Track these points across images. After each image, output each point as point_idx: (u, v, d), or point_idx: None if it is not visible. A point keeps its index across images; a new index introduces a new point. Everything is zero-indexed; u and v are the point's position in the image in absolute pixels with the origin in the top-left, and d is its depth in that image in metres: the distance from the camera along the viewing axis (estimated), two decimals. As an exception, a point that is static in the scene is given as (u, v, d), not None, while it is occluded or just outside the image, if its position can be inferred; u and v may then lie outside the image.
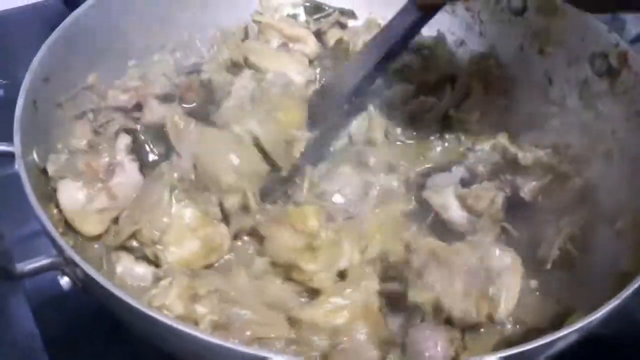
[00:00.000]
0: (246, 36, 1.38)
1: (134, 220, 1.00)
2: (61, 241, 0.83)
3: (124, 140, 1.10)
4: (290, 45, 1.36)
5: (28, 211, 0.88)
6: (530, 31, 1.31)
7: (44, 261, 0.84)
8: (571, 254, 1.07)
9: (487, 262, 0.97)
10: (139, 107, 1.17)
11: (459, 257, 0.97)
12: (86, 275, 0.81)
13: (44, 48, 1.08)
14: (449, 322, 0.96)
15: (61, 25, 1.13)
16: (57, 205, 1.00)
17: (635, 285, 0.85)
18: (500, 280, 0.96)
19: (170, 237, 0.99)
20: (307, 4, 1.45)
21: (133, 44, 1.27)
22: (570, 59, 1.24)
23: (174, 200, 1.01)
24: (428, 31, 1.36)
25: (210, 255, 1.02)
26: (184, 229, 1.00)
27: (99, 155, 1.06)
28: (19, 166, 0.91)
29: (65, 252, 0.82)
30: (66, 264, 0.84)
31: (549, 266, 1.06)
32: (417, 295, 0.96)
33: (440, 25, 1.39)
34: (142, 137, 1.13)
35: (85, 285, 0.85)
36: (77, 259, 0.81)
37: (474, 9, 1.38)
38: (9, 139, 0.95)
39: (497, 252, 0.98)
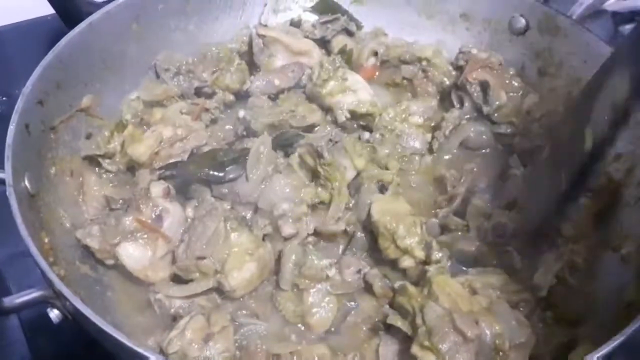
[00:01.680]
0: (250, 50, 1.35)
1: (196, 255, 1.02)
2: (51, 274, 0.81)
3: (159, 187, 1.08)
4: (296, 59, 1.34)
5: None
6: (533, 51, 1.29)
7: (33, 294, 0.83)
8: (567, 283, 1.05)
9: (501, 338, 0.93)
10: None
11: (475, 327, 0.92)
12: (76, 309, 0.79)
13: (38, 70, 1.07)
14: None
15: (55, 46, 1.11)
16: (48, 234, 0.98)
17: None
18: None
19: (231, 264, 1.02)
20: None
21: (130, 65, 1.26)
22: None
23: (229, 229, 1.03)
24: (426, 40, 1.36)
25: (264, 273, 1.06)
26: (242, 254, 1.03)
27: (139, 209, 1.05)
28: (9, 195, 0.89)
29: (54, 285, 0.80)
30: (56, 297, 0.82)
31: (544, 293, 1.03)
32: (419, 352, 0.91)
33: (445, 45, 1.38)
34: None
35: (76, 319, 0.83)
36: (67, 292, 0.79)
37: (475, 29, 1.37)
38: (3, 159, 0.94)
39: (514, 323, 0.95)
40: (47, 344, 1.13)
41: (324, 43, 1.39)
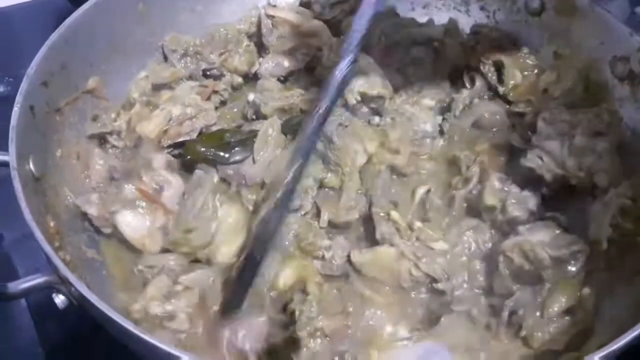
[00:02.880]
0: (259, 32, 1.33)
1: (186, 228, 1.02)
2: (56, 259, 0.80)
3: (162, 158, 1.09)
4: (305, 40, 1.31)
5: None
6: (549, 32, 1.26)
7: (37, 280, 0.81)
8: (624, 229, 1.02)
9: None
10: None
11: None
12: (81, 295, 0.77)
13: (42, 51, 1.05)
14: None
15: (61, 26, 1.09)
16: (54, 218, 0.96)
17: None
18: None
19: (220, 238, 1.03)
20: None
21: (136, 46, 1.24)
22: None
23: (218, 204, 1.04)
24: (438, 20, 1.32)
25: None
26: (231, 228, 1.04)
27: (140, 179, 1.06)
28: (13, 178, 0.88)
29: (59, 270, 0.79)
30: (61, 283, 0.81)
31: (604, 245, 1.00)
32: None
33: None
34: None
35: (81, 305, 0.81)
36: (72, 278, 0.78)
37: (490, 8, 1.33)
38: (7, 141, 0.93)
39: None
40: (55, 328, 1.12)
41: (334, 24, 1.36)
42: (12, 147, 0.92)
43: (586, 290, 0.98)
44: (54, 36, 1.08)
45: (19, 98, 0.98)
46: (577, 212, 1.07)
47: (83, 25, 1.13)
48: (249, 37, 1.34)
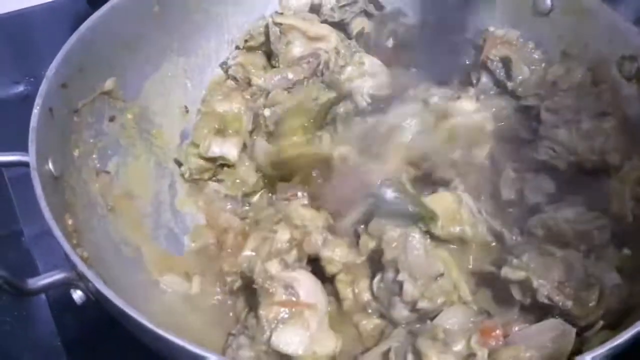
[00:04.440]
0: (267, 39, 1.35)
1: None
2: (74, 256, 0.83)
3: (275, 264, 1.02)
4: (313, 45, 1.33)
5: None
6: (556, 32, 1.27)
7: (56, 276, 0.84)
8: None
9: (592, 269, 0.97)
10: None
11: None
12: (99, 291, 0.80)
13: (61, 53, 1.08)
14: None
15: (79, 29, 1.12)
16: (72, 215, 0.99)
17: None
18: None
19: None
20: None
21: (151, 47, 1.26)
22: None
23: None
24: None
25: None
26: None
27: (270, 294, 0.98)
28: (33, 178, 0.91)
29: (77, 267, 0.82)
30: (79, 279, 0.84)
31: (630, 218, 1.03)
32: (511, 273, 0.97)
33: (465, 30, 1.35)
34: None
35: (99, 301, 0.84)
36: (89, 274, 0.81)
37: (497, 9, 1.34)
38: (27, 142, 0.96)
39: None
40: (74, 322, 1.16)
41: (343, 26, 1.38)
42: (32, 148, 0.95)
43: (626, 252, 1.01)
44: (72, 39, 1.11)
45: (38, 100, 1.01)
46: (596, 191, 1.09)
47: (101, 27, 1.16)
48: (258, 45, 1.36)
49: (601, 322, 0.91)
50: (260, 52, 1.37)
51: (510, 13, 1.33)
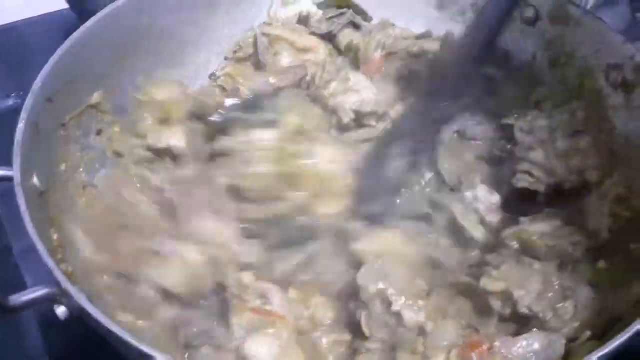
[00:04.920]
0: (256, 50, 1.35)
1: None
2: (57, 273, 0.82)
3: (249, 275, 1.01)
4: (301, 56, 1.34)
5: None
6: (543, 41, 1.27)
7: (39, 293, 0.83)
8: (622, 217, 1.05)
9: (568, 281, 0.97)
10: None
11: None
12: (82, 307, 0.80)
13: (47, 68, 1.07)
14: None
15: (66, 42, 1.12)
16: (57, 230, 0.99)
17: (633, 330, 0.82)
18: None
19: None
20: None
21: (140, 60, 1.26)
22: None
23: None
24: (436, 30, 1.36)
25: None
26: None
27: (244, 300, 0.97)
28: (17, 193, 0.90)
29: (61, 283, 0.82)
30: (62, 295, 0.83)
31: (605, 234, 1.04)
32: (490, 285, 0.96)
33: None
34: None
35: (82, 316, 0.84)
36: (72, 291, 0.81)
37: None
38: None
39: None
40: (61, 338, 1.16)
41: (330, 37, 1.39)
42: (16, 162, 0.94)
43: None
44: (59, 52, 1.10)
45: (23, 114, 1.00)
46: (575, 207, 1.10)
47: (88, 40, 1.15)
48: (246, 58, 1.36)
49: (588, 333, 0.91)
50: (249, 63, 1.37)
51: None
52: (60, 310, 0.86)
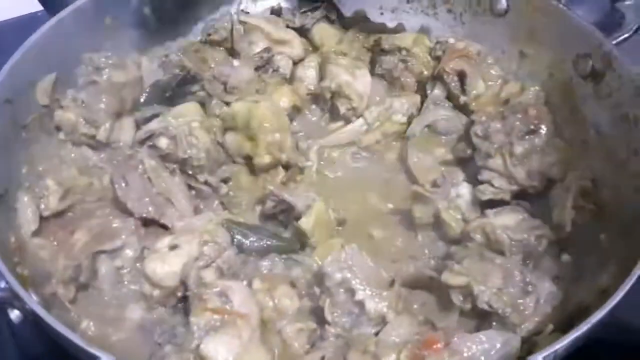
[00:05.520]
0: (232, 37, 1.34)
1: None
2: (9, 277, 0.81)
3: (210, 271, 1.00)
4: (276, 48, 1.32)
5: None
6: (513, 33, 1.26)
7: (-9, 296, 0.82)
8: (586, 210, 1.04)
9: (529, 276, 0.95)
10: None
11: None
12: (32, 310, 0.79)
13: (5, 69, 1.07)
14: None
15: (24, 44, 1.11)
16: (15, 233, 0.98)
17: (594, 320, 0.81)
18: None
19: None
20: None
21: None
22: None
23: None
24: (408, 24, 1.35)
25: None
26: None
27: (203, 300, 0.94)
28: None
29: (13, 288, 0.80)
30: (15, 299, 0.82)
31: (568, 228, 1.03)
32: (452, 279, 0.95)
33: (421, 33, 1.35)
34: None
35: (35, 321, 0.83)
36: (23, 294, 0.79)
37: (456, 11, 1.33)
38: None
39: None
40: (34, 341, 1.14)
41: (303, 31, 1.38)
42: (-26, 165, 0.93)
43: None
44: (18, 53, 1.09)
45: (-19, 117, 0.99)
46: (540, 200, 1.09)
47: (50, 41, 1.14)
48: (221, 42, 1.35)
49: (551, 326, 0.90)
50: (222, 48, 1.35)
51: (468, 15, 1.32)
52: (14, 315, 0.85)
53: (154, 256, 0.98)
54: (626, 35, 1.21)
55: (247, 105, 1.15)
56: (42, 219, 1.03)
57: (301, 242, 1.06)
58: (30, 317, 0.84)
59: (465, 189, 1.12)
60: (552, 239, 1.02)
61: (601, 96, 1.12)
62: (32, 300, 0.80)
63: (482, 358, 0.84)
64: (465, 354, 0.83)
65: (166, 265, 0.96)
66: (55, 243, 1.01)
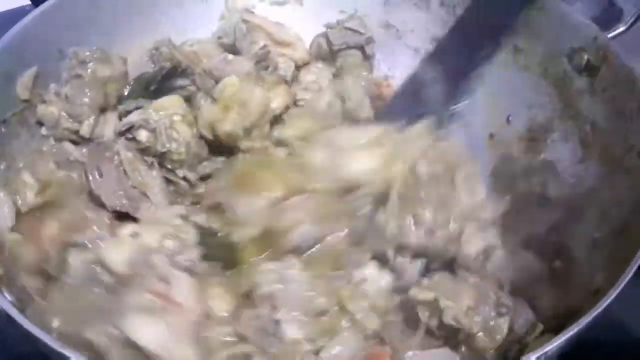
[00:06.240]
0: (234, 36, 1.31)
1: None
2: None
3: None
4: (278, 49, 1.31)
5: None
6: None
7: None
8: None
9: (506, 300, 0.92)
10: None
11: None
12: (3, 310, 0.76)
13: (-19, 64, 1.04)
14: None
15: (4, 36, 1.08)
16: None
17: (586, 321, 0.79)
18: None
19: None
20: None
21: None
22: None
23: None
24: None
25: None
26: None
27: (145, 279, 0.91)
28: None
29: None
30: (-10, 298, 0.79)
31: None
32: (419, 293, 0.91)
33: (415, 23, 1.32)
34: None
35: (8, 321, 0.80)
36: (-4, 296, 0.77)
37: (450, 3, 1.31)
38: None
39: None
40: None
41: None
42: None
43: None
44: (-7, 49, 1.07)
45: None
46: None
47: (29, 34, 1.11)
48: (221, 37, 1.32)
49: (541, 326, 0.87)
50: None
51: (461, 8, 1.28)
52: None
53: (111, 241, 0.95)
54: (622, 29, 1.18)
55: (240, 82, 1.13)
56: (19, 215, 1.01)
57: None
58: (4, 318, 0.81)
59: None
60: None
61: (597, 91, 1.09)
62: (3, 299, 0.77)
63: None
64: None
65: (120, 250, 0.93)
66: (26, 234, 0.99)
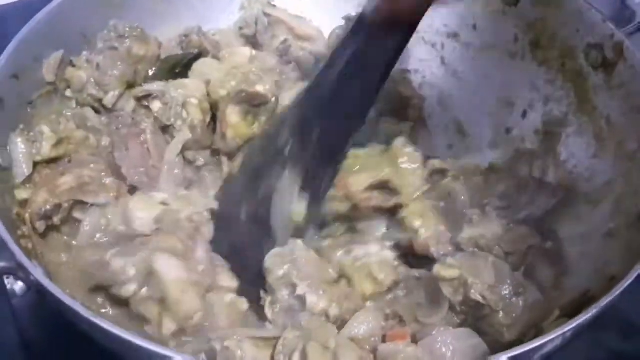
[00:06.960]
0: (256, 28, 1.33)
1: None
2: (13, 246, 0.80)
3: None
4: (298, 43, 1.32)
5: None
6: (525, 22, 1.24)
7: (-8, 265, 0.81)
8: None
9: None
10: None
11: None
12: (38, 281, 0.78)
13: (13, 44, 1.06)
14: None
15: (32, 20, 1.10)
16: (20, 205, 0.97)
17: (602, 304, 0.81)
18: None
19: None
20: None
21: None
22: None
23: None
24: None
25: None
26: None
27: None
28: (-24, 169, 0.88)
29: (16, 257, 0.79)
30: (19, 269, 0.81)
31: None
32: (443, 270, 0.94)
33: (435, 19, 1.34)
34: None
35: (39, 292, 0.82)
36: (29, 266, 0.78)
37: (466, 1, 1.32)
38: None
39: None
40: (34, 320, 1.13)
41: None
42: (-22, 138, 0.92)
43: None
44: (25, 30, 1.08)
45: (-14, 90, 0.98)
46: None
47: (57, 18, 1.13)
48: (242, 28, 1.33)
49: (557, 312, 0.89)
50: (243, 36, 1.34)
51: (480, 4, 1.30)
52: (18, 287, 0.84)
53: (141, 197, 0.98)
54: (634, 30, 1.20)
55: None
56: (36, 164, 1.02)
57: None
58: (34, 290, 0.82)
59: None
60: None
61: (612, 87, 1.11)
62: (37, 271, 0.78)
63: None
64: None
65: (147, 209, 0.96)
66: (41, 181, 1.01)
